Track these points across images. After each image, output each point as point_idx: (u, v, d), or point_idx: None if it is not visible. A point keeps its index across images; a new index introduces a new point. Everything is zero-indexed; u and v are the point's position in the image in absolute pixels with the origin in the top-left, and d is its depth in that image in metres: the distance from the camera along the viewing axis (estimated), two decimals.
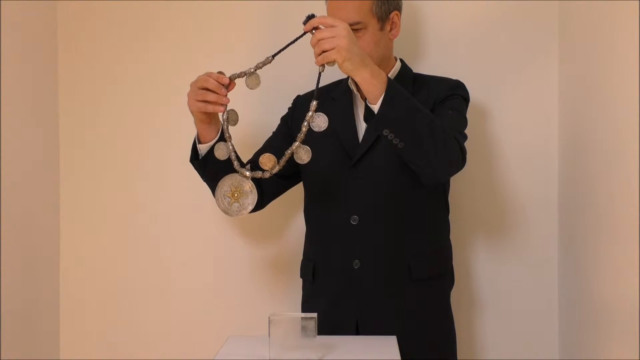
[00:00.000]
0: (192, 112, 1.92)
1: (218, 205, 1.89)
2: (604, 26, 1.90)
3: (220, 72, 1.87)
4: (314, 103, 1.80)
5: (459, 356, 2.13)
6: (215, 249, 2.39)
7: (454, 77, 2.10)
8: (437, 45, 2.33)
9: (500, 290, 2.34)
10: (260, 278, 2.38)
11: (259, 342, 1.77)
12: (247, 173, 1.86)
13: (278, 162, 1.84)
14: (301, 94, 2.19)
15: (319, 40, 1.75)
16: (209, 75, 1.86)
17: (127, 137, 2.41)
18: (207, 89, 1.85)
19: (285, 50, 1.84)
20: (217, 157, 1.88)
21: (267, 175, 1.86)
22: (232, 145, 1.87)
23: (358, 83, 1.79)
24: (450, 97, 2.01)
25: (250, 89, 1.86)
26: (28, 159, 2.26)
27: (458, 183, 2.25)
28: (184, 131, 2.39)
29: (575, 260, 2.15)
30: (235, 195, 1.86)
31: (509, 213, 2.34)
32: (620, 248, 1.77)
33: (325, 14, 2.00)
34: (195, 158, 2.00)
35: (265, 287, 2.38)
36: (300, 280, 2.17)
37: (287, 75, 2.28)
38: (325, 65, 1.77)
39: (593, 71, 1.98)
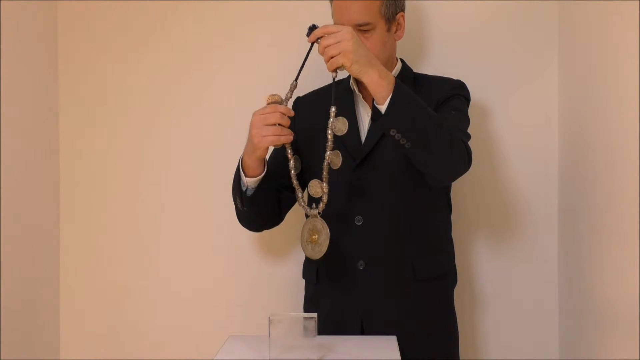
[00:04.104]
0: (258, 147, 1.89)
1: (309, 256, 1.92)
2: (604, 26, 1.90)
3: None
4: (333, 109, 1.81)
5: (460, 355, 2.13)
6: (216, 249, 2.39)
7: (455, 77, 2.09)
8: (438, 46, 2.33)
9: (501, 290, 2.34)
10: (260, 278, 2.38)
11: (259, 342, 1.77)
12: (315, 211, 1.88)
13: (321, 179, 1.86)
14: (300, 96, 2.18)
15: (325, 47, 1.76)
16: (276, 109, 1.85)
17: (127, 137, 2.41)
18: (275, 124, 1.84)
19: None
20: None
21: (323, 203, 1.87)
22: (301, 193, 1.91)
23: (366, 84, 1.78)
24: (452, 97, 2.01)
25: (290, 116, 1.87)
26: (28, 159, 2.26)
27: (459, 182, 2.24)
28: (184, 131, 2.40)
29: (575, 260, 2.15)
30: (314, 237, 1.89)
31: (509, 212, 2.34)
32: (620, 248, 1.77)
33: (329, 13, 2.00)
34: (238, 190, 1.97)
35: (266, 287, 2.37)
36: (302, 280, 2.17)
37: (286, 79, 2.28)
38: (337, 70, 1.78)
39: (593, 71, 1.98)
